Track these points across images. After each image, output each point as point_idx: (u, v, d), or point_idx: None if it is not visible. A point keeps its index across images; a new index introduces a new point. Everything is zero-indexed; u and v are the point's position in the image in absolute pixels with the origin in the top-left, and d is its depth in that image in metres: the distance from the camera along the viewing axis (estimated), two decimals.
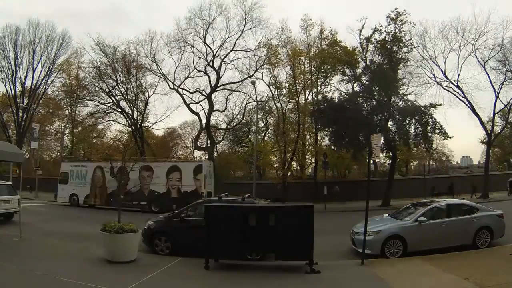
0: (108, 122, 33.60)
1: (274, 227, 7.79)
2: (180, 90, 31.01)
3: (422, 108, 23.38)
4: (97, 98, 31.38)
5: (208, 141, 34.41)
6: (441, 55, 27.03)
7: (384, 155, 26.56)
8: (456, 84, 26.81)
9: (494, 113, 27.88)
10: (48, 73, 35.52)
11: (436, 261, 8.12)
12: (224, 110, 32.67)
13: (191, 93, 31.46)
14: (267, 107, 33.93)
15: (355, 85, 26.78)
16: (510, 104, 27.32)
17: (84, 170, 22.85)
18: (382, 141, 21.13)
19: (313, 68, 29.62)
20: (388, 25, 24.51)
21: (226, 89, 31.52)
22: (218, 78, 30.42)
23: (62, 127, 41.56)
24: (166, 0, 72.07)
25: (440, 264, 7.88)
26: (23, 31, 34.77)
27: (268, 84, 30.10)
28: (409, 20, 24.44)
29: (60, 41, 35.56)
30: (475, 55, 26.40)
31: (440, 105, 24.20)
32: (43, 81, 35.75)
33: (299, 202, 20.04)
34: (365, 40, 25.40)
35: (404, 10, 24.36)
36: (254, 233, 7.84)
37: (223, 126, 35.50)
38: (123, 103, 31.49)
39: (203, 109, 32.09)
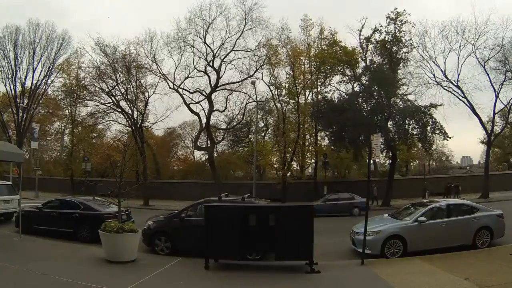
0: (108, 122, 33.54)
1: (274, 227, 7.79)
2: (180, 90, 31.01)
3: (422, 108, 23.36)
4: (97, 98, 31.30)
5: (208, 141, 34.39)
6: (441, 55, 27.03)
7: (384, 155, 26.55)
8: (456, 84, 26.81)
9: (494, 113, 27.87)
10: (48, 73, 35.54)
11: (436, 261, 8.12)
12: (224, 110, 32.66)
13: (191, 93, 31.45)
14: (267, 107, 33.89)
15: (355, 85, 26.80)
16: (510, 104, 27.30)
17: None
18: (382, 141, 21.17)
19: (313, 68, 29.59)
20: (388, 25, 24.53)
21: (226, 89, 31.50)
22: (218, 78, 30.40)
23: (62, 127, 41.55)
24: (166, 0, 72.10)
25: (440, 264, 7.88)
26: (23, 31, 34.77)
27: (268, 84, 30.08)
28: (409, 20, 24.46)
29: (60, 41, 35.58)
30: (475, 55, 26.39)
31: (440, 105, 24.17)
32: (43, 81, 35.76)
33: (299, 202, 20.04)
34: (365, 40, 25.41)
35: (404, 10, 24.38)
36: (254, 233, 7.84)
37: (223, 126, 35.48)
38: (123, 103, 31.43)
39: (203, 109, 32.09)
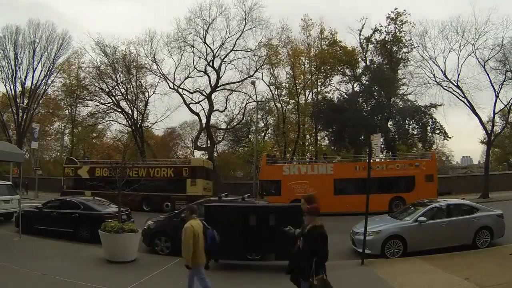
0: (108, 122, 33.63)
1: (274, 227, 7.78)
2: (180, 90, 31.08)
3: (422, 108, 23.43)
4: (97, 98, 31.41)
5: (208, 141, 34.43)
6: (441, 55, 26.95)
7: (384, 155, 26.59)
8: (456, 84, 26.77)
9: (494, 113, 27.76)
10: (48, 73, 35.51)
11: (436, 261, 8.11)
12: (224, 110, 32.72)
13: (191, 93, 31.52)
14: (267, 107, 33.91)
15: (355, 85, 26.88)
16: (510, 104, 27.27)
17: None
18: (382, 141, 21.22)
19: (313, 68, 29.61)
20: (388, 25, 24.62)
21: (226, 89, 31.55)
22: (218, 78, 30.44)
23: (62, 127, 41.61)
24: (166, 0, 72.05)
25: (440, 264, 7.88)
26: (23, 31, 34.77)
27: (268, 84, 30.14)
28: (409, 20, 24.52)
29: (60, 41, 35.54)
30: (475, 55, 26.33)
31: (440, 105, 24.17)
32: (43, 81, 35.75)
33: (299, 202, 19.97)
34: (365, 40, 25.47)
35: (404, 10, 24.48)
36: (254, 233, 7.84)
37: (223, 126, 35.53)
38: (123, 103, 31.52)
39: (203, 109, 32.16)
